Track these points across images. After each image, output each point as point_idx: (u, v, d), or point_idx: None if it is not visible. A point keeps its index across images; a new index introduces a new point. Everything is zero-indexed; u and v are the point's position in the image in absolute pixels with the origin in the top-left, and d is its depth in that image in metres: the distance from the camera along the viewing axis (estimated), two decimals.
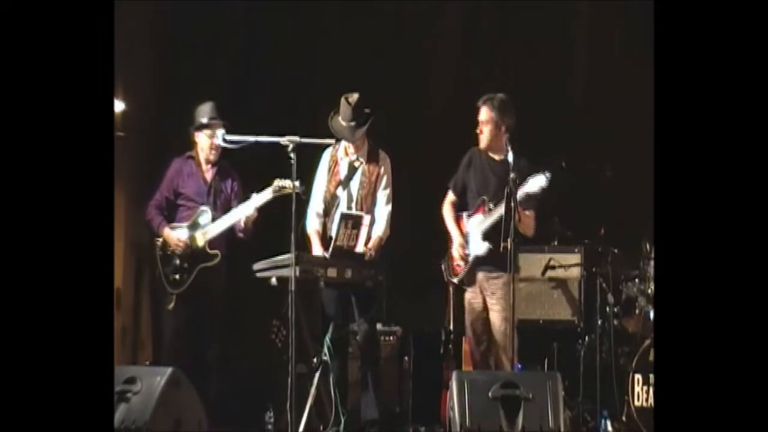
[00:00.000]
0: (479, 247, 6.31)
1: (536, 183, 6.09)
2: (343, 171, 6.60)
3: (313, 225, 6.59)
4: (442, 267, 6.65)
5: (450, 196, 6.64)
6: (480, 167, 6.49)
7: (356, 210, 6.47)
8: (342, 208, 6.49)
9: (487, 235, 6.24)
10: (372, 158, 6.60)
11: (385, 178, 6.60)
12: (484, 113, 6.42)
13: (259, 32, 8.41)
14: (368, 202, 6.54)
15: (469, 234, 6.41)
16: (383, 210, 6.56)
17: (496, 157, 6.42)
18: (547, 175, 6.07)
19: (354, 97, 6.45)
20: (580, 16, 8.45)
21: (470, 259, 6.38)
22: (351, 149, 6.56)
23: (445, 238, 6.58)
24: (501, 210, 6.03)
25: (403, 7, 8.48)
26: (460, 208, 6.58)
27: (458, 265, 6.47)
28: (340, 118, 6.46)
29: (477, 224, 6.37)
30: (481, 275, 6.37)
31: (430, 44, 8.54)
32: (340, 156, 6.62)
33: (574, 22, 8.47)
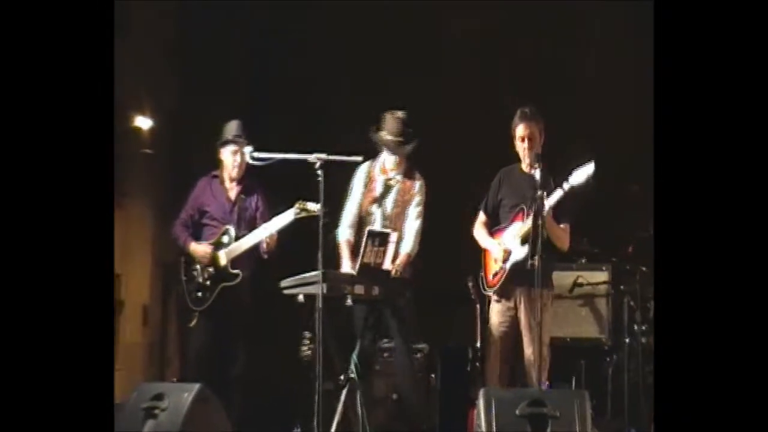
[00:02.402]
0: (518, 252, 6.25)
1: (584, 172, 6.04)
2: (378, 188, 6.60)
3: (344, 236, 6.60)
4: (469, 285, 6.62)
5: (481, 217, 6.59)
6: (513, 182, 6.44)
7: (389, 227, 6.47)
8: (377, 225, 6.49)
9: (525, 240, 6.17)
10: (408, 177, 6.60)
11: (417, 197, 6.60)
12: (522, 129, 6.37)
13: (287, 50, 8.45)
14: (401, 220, 6.54)
15: (506, 243, 6.36)
16: (412, 227, 6.56)
17: (530, 171, 6.34)
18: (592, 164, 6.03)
19: (401, 113, 6.46)
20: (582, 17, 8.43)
21: (508, 267, 6.32)
22: (390, 165, 6.56)
23: (476, 255, 6.54)
24: (537, 224, 5.99)
25: (414, 17, 8.48)
26: (492, 227, 6.54)
27: (494, 277, 6.41)
28: (385, 133, 6.46)
29: (513, 234, 6.31)
30: (517, 290, 6.31)
31: (451, 51, 8.55)
32: (376, 173, 6.63)
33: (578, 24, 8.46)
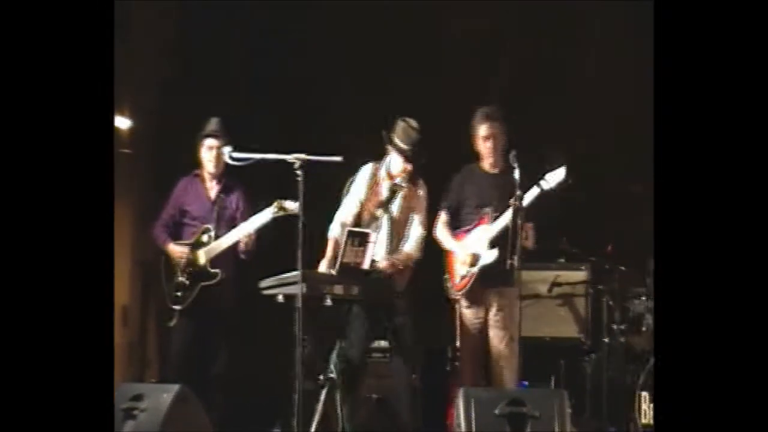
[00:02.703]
0: (487, 255, 6.27)
1: (556, 177, 6.07)
2: (384, 192, 6.54)
3: (334, 232, 6.53)
4: (447, 285, 6.63)
5: (443, 217, 6.62)
6: (477, 182, 6.49)
7: (394, 232, 6.46)
8: (383, 230, 6.45)
9: (494, 243, 6.20)
10: (413, 184, 6.53)
11: (422, 204, 6.54)
12: (485, 129, 6.41)
13: (269, 47, 8.43)
14: (404, 226, 6.51)
15: (473, 246, 6.37)
16: (416, 232, 6.53)
17: (493, 171, 6.44)
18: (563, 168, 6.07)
19: (414, 123, 6.42)
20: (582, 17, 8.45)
21: (476, 271, 6.34)
22: (396, 170, 6.46)
23: (444, 257, 6.57)
24: (507, 218, 6.03)
25: (414, 17, 8.48)
26: (453, 227, 6.57)
27: (461, 280, 6.43)
28: (398, 141, 6.41)
29: (481, 235, 6.33)
30: (487, 291, 6.34)
31: (439, 50, 8.56)
32: (381, 176, 6.55)
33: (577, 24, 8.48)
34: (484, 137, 6.43)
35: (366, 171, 6.57)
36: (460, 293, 6.45)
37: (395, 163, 6.48)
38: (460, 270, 6.42)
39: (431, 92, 8.22)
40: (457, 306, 6.92)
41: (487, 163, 6.49)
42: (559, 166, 6.14)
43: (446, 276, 6.57)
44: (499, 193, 6.25)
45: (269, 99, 8.23)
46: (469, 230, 6.44)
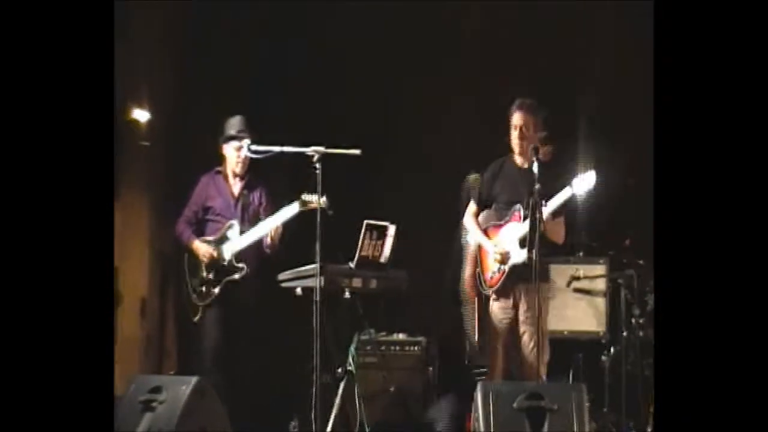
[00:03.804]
0: (517, 255, 6.24)
1: (585, 183, 6.04)
2: None
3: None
4: (479, 279, 6.61)
5: (472, 207, 6.58)
6: (509, 176, 6.41)
7: None
8: None
9: (524, 243, 6.15)
10: None
11: None
12: (518, 118, 6.36)
13: (284, 43, 8.43)
14: None
15: (504, 243, 6.35)
16: None
17: (524, 166, 6.33)
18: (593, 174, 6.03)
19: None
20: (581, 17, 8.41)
21: (507, 268, 6.32)
22: None
23: (472, 250, 6.55)
24: (535, 218, 5.98)
25: (426, 13, 8.47)
26: (486, 220, 6.53)
27: (492, 277, 6.41)
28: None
29: (512, 233, 6.29)
30: (516, 286, 6.30)
31: (451, 49, 8.54)
32: None
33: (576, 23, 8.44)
34: (514, 126, 6.34)
35: None
36: (491, 289, 6.38)
37: None
38: (492, 266, 6.36)
39: (431, 92, 8.22)
40: (476, 299, 6.93)
41: (518, 158, 6.40)
42: (586, 171, 6.08)
43: (479, 270, 6.51)
44: (529, 189, 6.13)
45: (274, 95, 8.23)
46: (500, 226, 6.38)
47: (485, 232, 6.47)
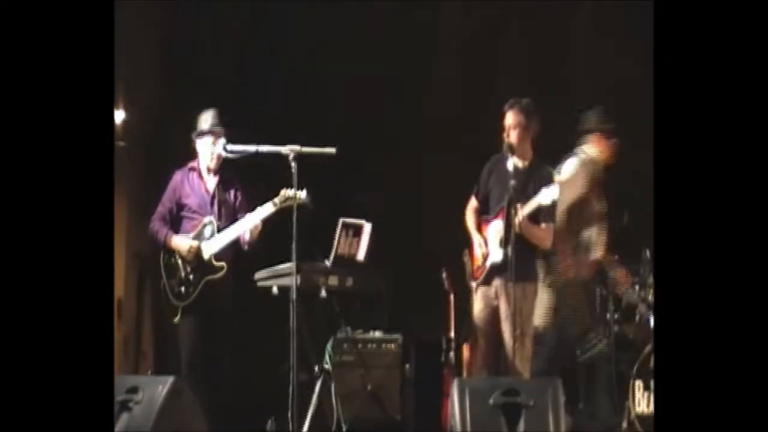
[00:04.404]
0: (496, 254, 6.29)
1: (549, 195, 6.09)
2: None
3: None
4: (443, 276, 6.62)
5: (473, 203, 6.62)
6: (501, 173, 6.40)
7: None
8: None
9: (503, 243, 6.20)
10: None
11: None
12: (511, 117, 6.39)
13: (262, 39, 8.43)
14: None
15: (489, 239, 6.37)
16: None
17: (521, 164, 6.39)
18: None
19: None
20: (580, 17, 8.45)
21: (488, 266, 6.35)
22: None
23: (456, 246, 6.57)
24: (519, 217, 6.02)
25: (406, 13, 8.48)
26: (482, 213, 6.56)
27: (477, 270, 6.45)
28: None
29: (495, 231, 6.33)
30: (499, 282, 6.32)
31: (433, 48, 8.56)
32: None
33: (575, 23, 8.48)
34: (508, 125, 6.37)
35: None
36: (476, 282, 6.42)
37: None
38: (478, 259, 6.41)
39: (441, 95, 8.24)
40: (451, 296, 6.95)
41: (510, 156, 6.42)
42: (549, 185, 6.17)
43: (468, 260, 6.54)
44: (520, 188, 6.16)
45: (266, 94, 8.23)
46: (489, 221, 6.41)
47: (478, 225, 6.51)
